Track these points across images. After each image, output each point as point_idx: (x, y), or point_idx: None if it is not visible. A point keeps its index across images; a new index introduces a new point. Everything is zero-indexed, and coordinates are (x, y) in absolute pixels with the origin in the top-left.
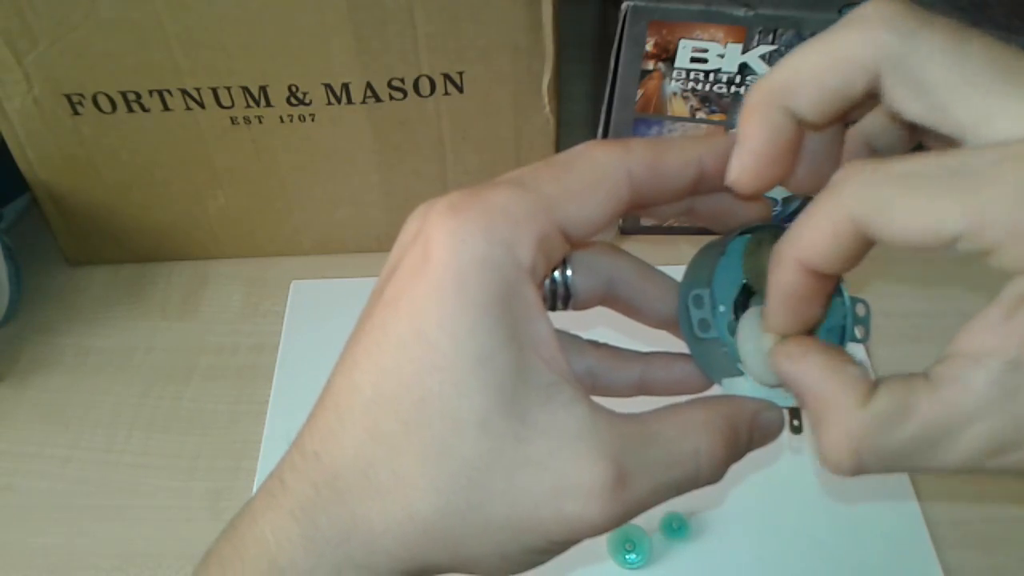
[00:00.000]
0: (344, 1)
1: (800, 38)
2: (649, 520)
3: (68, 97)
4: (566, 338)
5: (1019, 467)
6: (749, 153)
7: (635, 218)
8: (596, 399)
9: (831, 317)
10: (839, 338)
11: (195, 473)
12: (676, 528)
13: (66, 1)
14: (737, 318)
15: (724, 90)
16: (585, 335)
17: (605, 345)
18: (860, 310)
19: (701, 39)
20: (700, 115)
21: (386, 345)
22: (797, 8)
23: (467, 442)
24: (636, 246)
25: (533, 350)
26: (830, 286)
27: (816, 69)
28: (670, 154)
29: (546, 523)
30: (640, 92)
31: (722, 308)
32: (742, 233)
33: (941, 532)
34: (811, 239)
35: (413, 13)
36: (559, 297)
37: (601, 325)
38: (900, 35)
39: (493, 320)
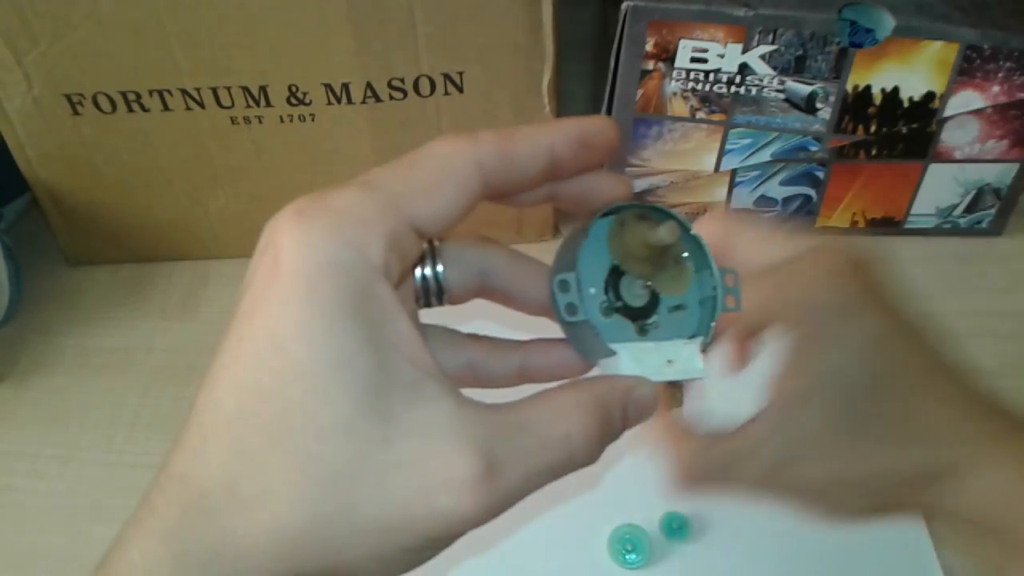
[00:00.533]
0: (344, 1)
1: (800, 38)
2: (649, 520)
3: (68, 97)
4: (441, 333)
5: (798, 482)
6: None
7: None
8: (472, 392)
9: (702, 288)
10: (711, 309)
11: None
12: (676, 528)
13: (66, 1)
14: (608, 298)
15: (724, 90)
16: (466, 328)
17: (483, 337)
18: (730, 281)
19: (701, 39)
20: (700, 115)
21: (244, 359)
22: (797, 8)
23: (332, 449)
24: None
25: (394, 349)
26: None
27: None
28: (520, 142)
29: (420, 521)
30: (640, 92)
31: (592, 290)
32: (605, 214)
33: (941, 532)
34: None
35: (413, 13)
36: (432, 293)
37: (482, 317)
38: None
39: (348, 323)
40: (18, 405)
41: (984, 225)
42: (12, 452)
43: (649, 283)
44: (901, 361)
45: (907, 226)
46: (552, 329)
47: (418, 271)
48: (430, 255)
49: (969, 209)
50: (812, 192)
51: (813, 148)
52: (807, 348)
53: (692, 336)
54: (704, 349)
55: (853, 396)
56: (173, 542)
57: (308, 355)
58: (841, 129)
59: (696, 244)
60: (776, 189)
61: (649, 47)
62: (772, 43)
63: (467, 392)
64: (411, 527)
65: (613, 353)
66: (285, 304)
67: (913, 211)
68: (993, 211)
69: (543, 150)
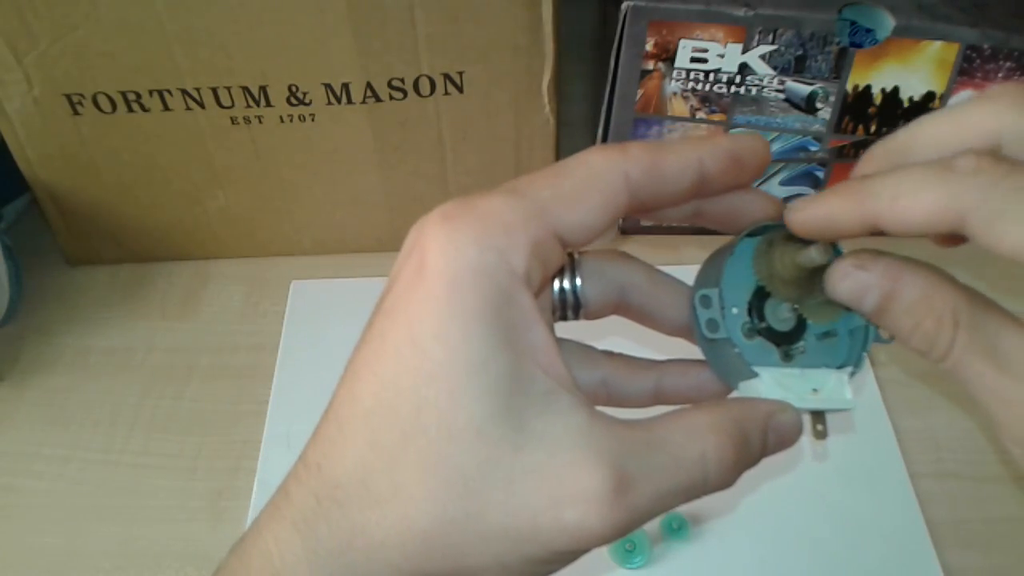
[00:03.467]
0: (344, 1)
1: (800, 38)
2: (650, 521)
3: (68, 97)
4: (578, 348)
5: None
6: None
7: (635, 218)
8: (606, 410)
9: (852, 317)
10: (863, 339)
11: (195, 473)
12: (677, 529)
13: (66, 1)
14: (752, 320)
15: (724, 90)
16: (600, 345)
17: (619, 355)
18: None
19: (701, 39)
20: (700, 115)
21: (384, 355)
22: (797, 8)
23: (463, 451)
24: (635, 247)
25: (530, 357)
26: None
27: (938, 133)
28: (669, 157)
29: (545, 532)
30: (640, 92)
31: (735, 310)
32: (751, 234)
33: (941, 532)
34: (906, 206)
35: (413, 13)
36: (569, 307)
37: (616, 335)
38: None
39: (487, 327)
40: (18, 405)
41: None
42: (12, 452)
43: (796, 308)
44: None
45: None
46: (686, 351)
47: (556, 283)
48: (569, 268)
49: None
50: (812, 192)
51: (813, 148)
52: None
53: (841, 366)
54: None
55: None
56: (306, 531)
57: (446, 356)
58: (841, 129)
59: None
60: (776, 189)
61: (649, 47)
62: (772, 43)
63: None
64: (537, 538)
65: (755, 375)
66: (427, 305)
67: None
68: None
69: (692, 165)
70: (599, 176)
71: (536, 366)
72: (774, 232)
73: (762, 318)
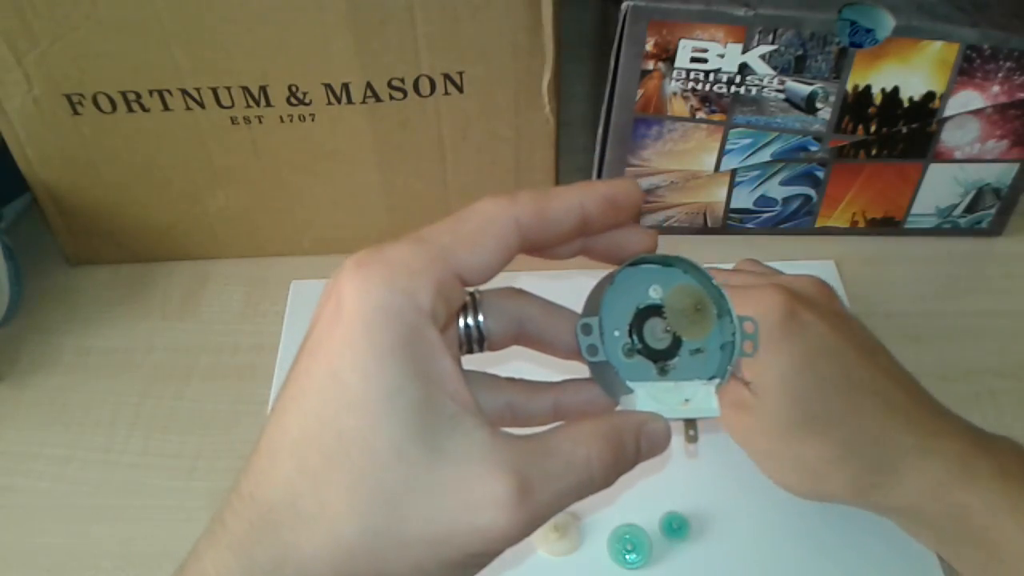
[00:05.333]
0: (344, 1)
1: (800, 38)
2: (649, 520)
3: (68, 97)
4: (483, 377)
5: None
6: None
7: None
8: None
9: (722, 334)
10: (730, 353)
11: (195, 473)
12: (676, 528)
13: (66, 1)
14: (632, 341)
15: (724, 90)
16: (506, 369)
17: (520, 380)
18: (748, 327)
19: (701, 39)
20: (700, 115)
21: (308, 390)
22: (797, 8)
23: (383, 469)
24: None
25: (438, 385)
26: None
27: None
28: (553, 202)
29: (461, 536)
30: (640, 92)
31: (616, 332)
32: (632, 264)
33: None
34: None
35: (413, 13)
36: (474, 340)
37: (520, 360)
38: None
39: (399, 360)
40: (18, 405)
41: (984, 225)
42: (12, 452)
43: (670, 328)
44: (846, 369)
45: (907, 226)
46: (583, 372)
47: (461, 320)
48: (472, 306)
49: (969, 209)
50: (812, 192)
51: (813, 148)
52: (760, 357)
53: (711, 378)
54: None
55: (801, 396)
56: (242, 554)
57: (363, 386)
58: (841, 129)
59: (718, 293)
60: (776, 189)
61: (649, 47)
62: (772, 43)
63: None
64: (453, 541)
65: (631, 391)
66: (344, 342)
67: (913, 211)
68: (993, 211)
69: (575, 209)
70: (492, 222)
71: (444, 393)
72: (649, 263)
73: (641, 338)
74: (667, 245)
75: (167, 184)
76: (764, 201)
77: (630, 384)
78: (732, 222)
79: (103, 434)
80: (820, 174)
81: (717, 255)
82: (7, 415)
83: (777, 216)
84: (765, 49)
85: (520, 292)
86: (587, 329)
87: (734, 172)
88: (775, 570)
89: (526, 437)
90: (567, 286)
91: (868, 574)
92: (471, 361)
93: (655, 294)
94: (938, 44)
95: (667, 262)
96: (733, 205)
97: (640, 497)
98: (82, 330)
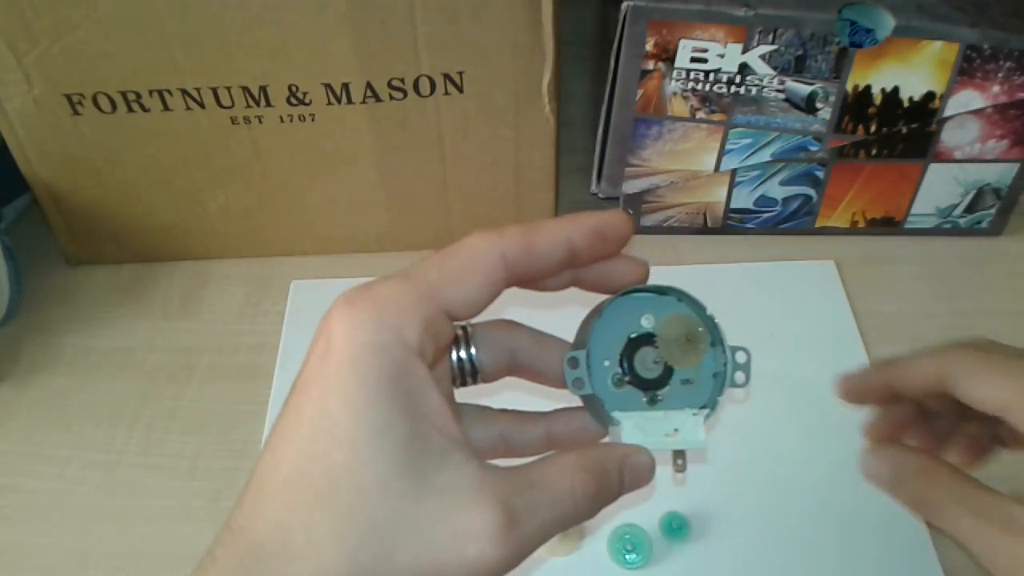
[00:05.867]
0: (344, 1)
1: (800, 38)
2: (649, 520)
3: (68, 97)
4: (475, 410)
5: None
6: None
7: (635, 218)
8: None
9: (714, 363)
10: (721, 383)
11: (195, 473)
12: (676, 528)
13: (66, 1)
14: (622, 371)
15: (724, 90)
16: (500, 399)
17: (512, 411)
18: (740, 357)
19: (701, 39)
20: (700, 115)
21: (298, 426)
22: (797, 8)
23: (371, 504)
24: (636, 246)
25: (426, 420)
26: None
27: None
28: (540, 236)
29: (450, 568)
30: (640, 92)
31: (607, 363)
32: (623, 294)
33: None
34: (910, 375)
35: (413, 13)
36: (467, 373)
37: (512, 390)
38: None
39: (387, 396)
40: (18, 405)
41: (984, 225)
42: (12, 452)
43: (661, 357)
44: None
45: (907, 226)
46: (578, 400)
47: (453, 354)
48: (464, 339)
49: (969, 209)
50: (812, 192)
51: (813, 148)
52: None
53: (701, 407)
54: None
55: None
56: None
57: (352, 422)
58: (841, 129)
59: (711, 322)
60: (776, 189)
61: (649, 47)
62: (772, 43)
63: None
64: (441, 573)
65: (617, 423)
66: (334, 379)
67: (913, 211)
68: (993, 211)
69: (562, 242)
70: (479, 257)
71: (432, 427)
72: (640, 293)
73: (631, 368)
74: (667, 245)
75: (167, 184)
76: (764, 201)
77: (617, 415)
78: (732, 222)
79: (103, 434)
80: (820, 174)
81: (717, 255)
82: (7, 415)
83: (777, 216)
84: (765, 49)
85: (511, 324)
86: (573, 363)
87: (734, 172)
88: (775, 570)
89: (512, 469)
90: (562, 316)
91: (868, 574)
92: (465, 392)
93: (647, 323)
94: (938, 44)
95: (660, 291)
96: (733, 205)
97: (640, 497)
98: (82, 330)
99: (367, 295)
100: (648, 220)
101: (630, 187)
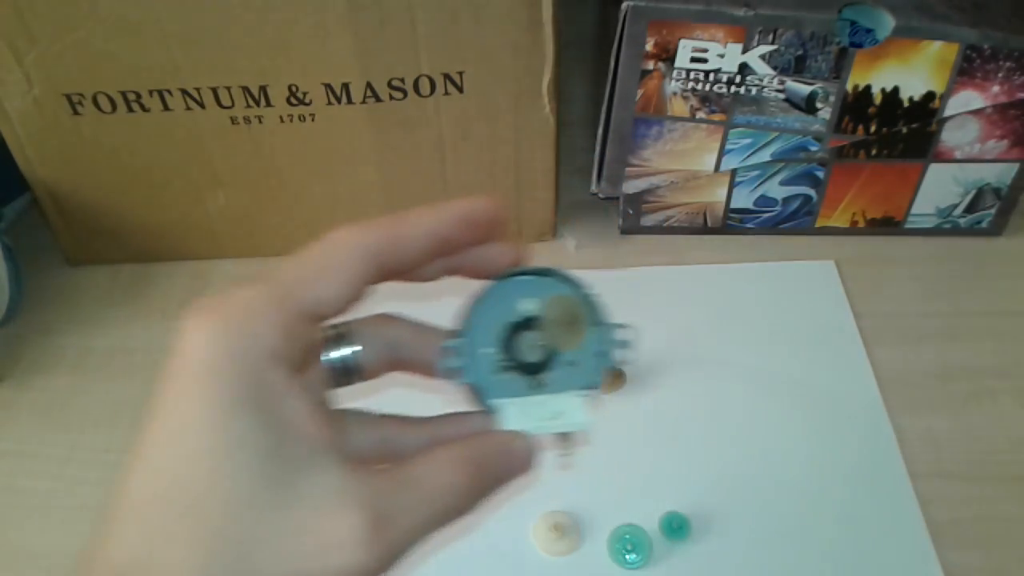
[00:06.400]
0: (344, 1)
1: (800, 38)
2: (649, 520)
3: (68, 97)
4: (356, 414)
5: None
6: None
7: (635, 218)
8: None
9: (596, 343)
10: (604, 362)
11: None
12: (676, 528)
13: (66, 1)
14: (505, 355)
15: (724, 90)
16: (384, 396)
17: (395, 415)
18: (623, 334)
19: (701, 39)
20: (700, 115)
21: (154, 445)
22: (797, 8)
23: (232, 520)
24: (636, 246)
25: (289, 427)
26: None
27: None
28: (405, 227)
29: None
30: (640, 92)
31: (490, 350)
32: (501, 278)
33: (941, 532)
34: None
35: (413, 13)
36: (348, 372)
37: (399, 387)
38: None
39: (243, 406)
40: (18, 405)
41: (984, 225)
42: (12, 452)
43: (543, 340)
44: None
45: (907, 226)
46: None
47: (330, 354)
48: (342, 338)
49: (969, 209)
50: (812, 192)
51: (813, 148)
52: None
53: (584, 388)
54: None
55: None
56: None
57: (209, 436)
58: (841, 129)
59: (593, 301)
60: (776, 189)
61: (649, 47)
62: (772, 43)
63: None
64: None
65: (497, 410)
66: (188, 393)
67: (913, 211)
68: (993, 211)
69: (429, 232)
70: (340, 253)
71: (296, 434)
72: (518, 276)
73: (513, 353)
74: (668, 245)
75: (167, 184)
76: (764, 201)
77: (497, 402)
78: (732, 222)
79: (103, 434)
80: (820, 174)
81: (717, 255)
82: (7, 415)
83: (777, 216)
84: (765, 49)
85: (391, 317)
86: (449, 351)
87: (734, 172)
88: (775, 570)
89: (384, 470)
90: (445, 306)
91: (868, 574)
92: (353, 392)
93: (528, 306)
94: (938, 44)
95: (540, 272)
96: (733, 205)
97: (640, 497)
98: (82, 330)
99: (220, 303)
100: (648, 220)
101: (630, 187)
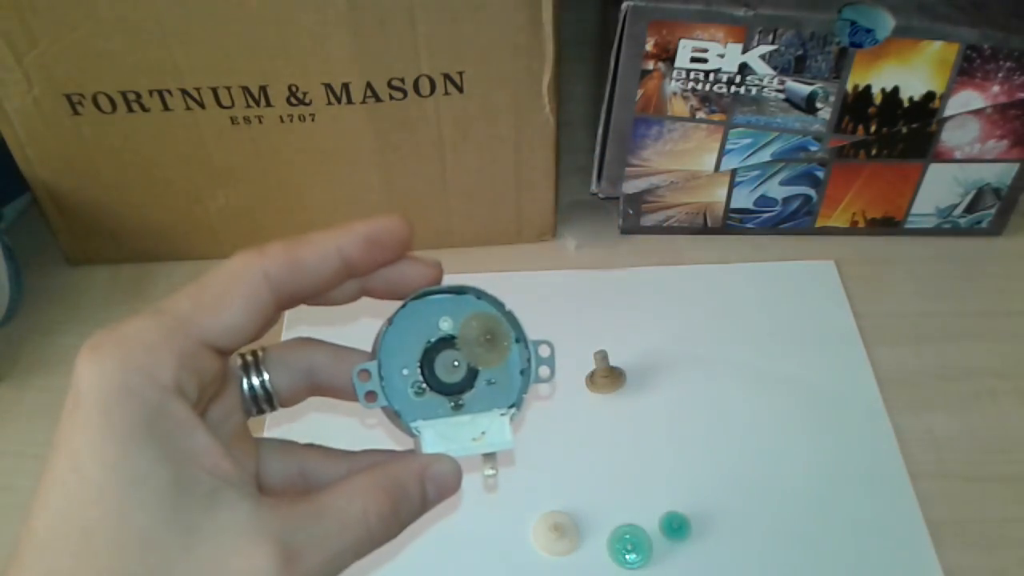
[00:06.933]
0: (344, 1)
1: (800, 38)
2: (649, 520)
3: (68, 97)
4: (274, 444)
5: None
6: None
7: (635, 218)
8: None
9: (519, 360)
10: (526, 380)
11: None
12: (676, 528)
13: (66, 1)
14: (423, 377)
15: (724, 90)
16: (303, 422)
17: (316, 446)
18: (544, 351)
19: (701, 39)
20: (700, 115)
21: (52, 487)
22: (797, 8)
23: (134, 562)
24: (636, 247)
25: (191, 462)
26: None
27: None
28: (305, 251)
29: None
30: (640, 92)
31: (405, 371)
32: (415, 298)
33: (941, 532)
34: None
35: (413, 13)
36: (261, 400)
37: (318, 411)
38: None
39: (141, 442)
40: (18, 405)
41: (984, 225)
42: (12, 452)
43: (463, 359)
44: None
45: (907, 226)
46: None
47: (245, 381)
48: (254, 364)
49: (969, 209)
50: (812, 192)
51: (813, 148)
52: None
53: (510, 407)
54: (513, 419)
55: None
56: None
57: (105, 476)
58: (841, 129)
59: (512, 318)
60: (776, 189)
61: (649, 47)
62: (772, 43)
63: None
64: None
65: (417, 434)
66: (83, 432)
67: (913, 211)
68: (993, 211)
69: (331, 254)
70: (237, 281)
71: (199, 468)
72: (433, 295)
73: (433, 374)
74: (667, 245)
75: (167, 184)
76: (764, 201)
77: (417, 425)
78: (732, 222)
79: None
80: (820, 174)
81: (717, 255)
82: (7, 415)
83: (777, 216)
84: (765, 49)
85: (307, 341)
86: (365, 375)
87: (734, 172)
88: (775, 570)
89: (297, 501)
90: (365, 327)
91: (868, 574)
92: (277, 418)
93: (445, 325)
94: (938, 44)
95: (457, 291)
96: (733, 205)
97: (640, 497)
98: (82, 330)
99: (112, 337)
100: (648, 220)
101: (630, 187)
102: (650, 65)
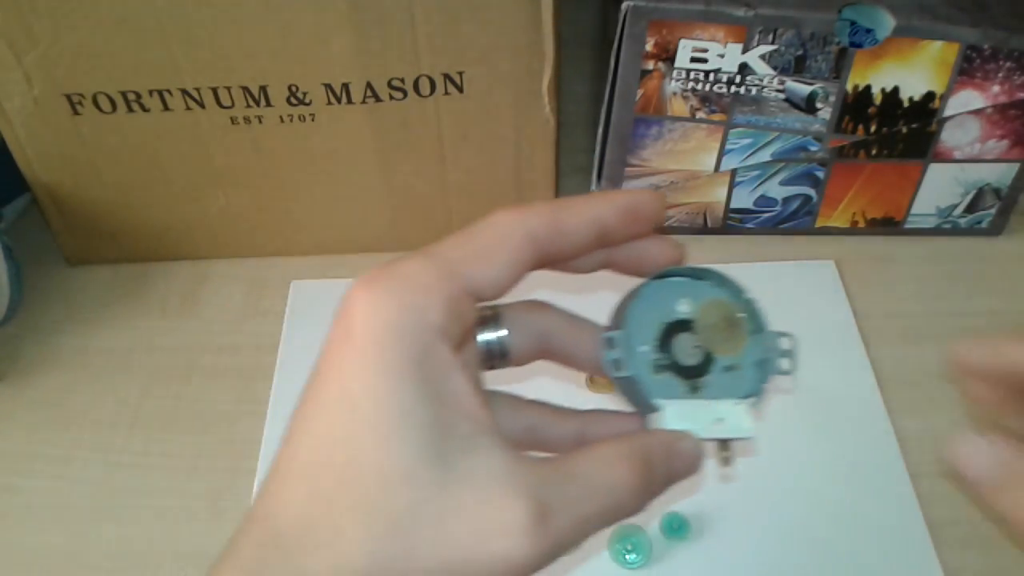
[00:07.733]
0: (344, 1)
1: (800, 38)
2: (649, 520)
3: (68, 97)
4: (504, 398)
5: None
6: None
7: None
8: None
9: (758, 350)
10: (766, 370)
11: (195, 473)
12: (676, 528)
13: (66, 1)
14: (660, 356)
15: (724, 90)
16: (530, 385)
17: (545, 403)
18: (785, 343)
19: (701, 39)
20: (700, 115)
21: (318, 412)
22: (797, 8)
23: (394, 493)
24: None
25: (451, 404)
26: None
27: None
28: (569, 214)
29: (475, 564)
30: (640, 92)
31: (645, 348)
32: (657, 277)
33: (941, 532)
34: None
35: (413, 13)
36: (496, 356)
37: (544, 376)
38: None
39: (410, 379)
40: (18, 405)
41: (984, 225)
42: (12, 452)
43: (700, 344)
44: None
45: (907, 226)
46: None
47: (482, 336)
48: (494, 320)
49: (969, 209)
50: (812, 192)
51: (813, 148)
52: None
53: (745, 397)
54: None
55: None
56: None
57: (374, 407)
58: (841, 129)
59: (752, 307)
60: (776, 189)
61: (649, 47)
62: (772, 43)
63: None
64: (467, 570)
65: (657, 408)
66: (354, 363)
67: (913, 211)
68: (993, 211)
69: (592, 221)
70: (505, 235)
71: (458, 412)
72: (677, 275)
73: (670, 354)
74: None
75: (167, 184)
76: (764, 201)
77: (658, 401)
78: (732, 222)
79: (103, 434)
80: (820, 174)
81: (717, 255)
82: (7, 415)
83: (777, 216)
84: (765, 49)
85: (544, 305)
86: (611, 343)
87: (734, 172)
88: (775, 570)
89: (547, 459)
90: (592, 301)
91: (868, 574)
92: (495, 378)
93: (684, 308)
94: (938, 44)
95: (697, 275)
96: (733, 205)
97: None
98: (82, 330)
99: (388, 274)
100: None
101: (630, 187)
102: (650, 65)
